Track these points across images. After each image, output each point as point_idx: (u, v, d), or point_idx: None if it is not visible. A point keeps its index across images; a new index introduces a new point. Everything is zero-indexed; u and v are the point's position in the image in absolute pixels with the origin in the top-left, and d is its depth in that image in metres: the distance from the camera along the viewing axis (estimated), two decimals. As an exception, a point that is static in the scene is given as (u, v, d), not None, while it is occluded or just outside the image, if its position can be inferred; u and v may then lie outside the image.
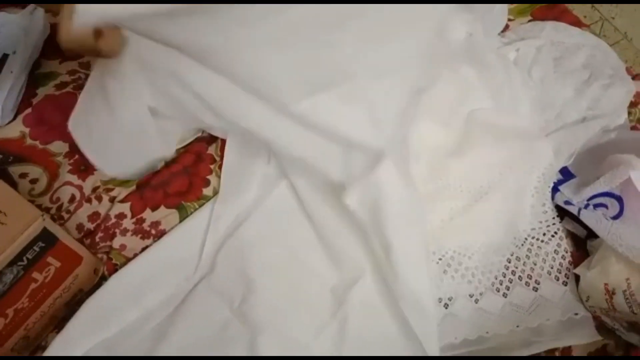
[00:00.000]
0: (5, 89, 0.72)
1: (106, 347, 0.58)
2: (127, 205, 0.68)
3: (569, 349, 0.60)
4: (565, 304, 0.62)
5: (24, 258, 0.50)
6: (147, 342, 0.58)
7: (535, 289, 0.63)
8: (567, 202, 0.65)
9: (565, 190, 0.67)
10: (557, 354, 0.60)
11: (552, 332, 0.61)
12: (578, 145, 0.71)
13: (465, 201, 0.68)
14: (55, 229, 0.53)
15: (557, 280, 0.64)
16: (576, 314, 0.62)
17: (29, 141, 0.72)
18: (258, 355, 0.57)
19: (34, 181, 0.69)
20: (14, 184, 0.68)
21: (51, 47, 0.81)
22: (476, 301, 0.62)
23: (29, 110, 0.75)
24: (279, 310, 0.60)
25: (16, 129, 0.73)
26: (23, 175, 0.69)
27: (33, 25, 0.79)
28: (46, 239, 0.51)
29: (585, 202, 0.64)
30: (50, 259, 0.53)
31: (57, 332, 0.58)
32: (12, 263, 0.49)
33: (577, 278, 0.63)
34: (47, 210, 0.67)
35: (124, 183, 0.70)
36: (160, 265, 0.63)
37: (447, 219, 0.67)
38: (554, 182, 0.68)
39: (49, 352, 0.57)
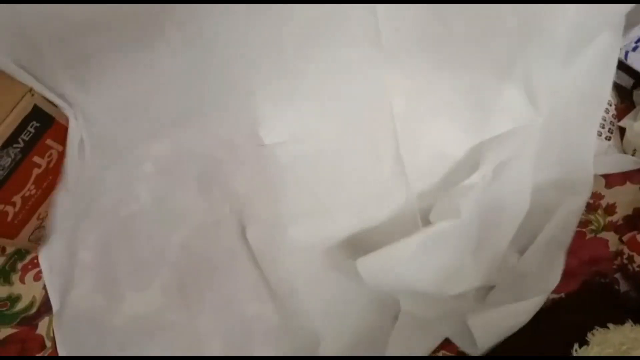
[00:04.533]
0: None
1: None
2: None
3: (612, 205, 0.56)
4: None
5: (20, 139, 0.46)
6: None
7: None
8: (612, 47, 0.58)
9: (610, 33, 0.60)
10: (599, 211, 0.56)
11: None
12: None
13: None
14: (49, 108, 0.49)
15: (600, 135, 0.58)
16: (621, 170, 0.57)
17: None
18: None
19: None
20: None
21: None
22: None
23: None
24: None
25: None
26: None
27: None
28: (40, 118, 0.48)
29: (634, 44, 0.57)
30: (49, 142, 0.50)
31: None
32: (6, 145, 0.45)
33: (621, 131, 0.58)
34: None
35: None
36: None
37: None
38: (597, 27, 0.61)
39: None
